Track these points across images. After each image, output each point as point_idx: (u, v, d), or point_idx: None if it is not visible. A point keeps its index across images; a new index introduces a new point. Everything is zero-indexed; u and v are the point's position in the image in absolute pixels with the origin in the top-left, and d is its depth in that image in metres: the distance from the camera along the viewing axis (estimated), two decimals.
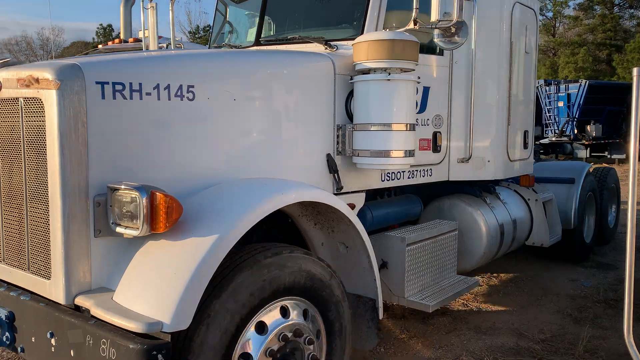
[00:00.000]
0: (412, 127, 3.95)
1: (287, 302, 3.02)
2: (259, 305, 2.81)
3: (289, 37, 4.52)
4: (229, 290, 2.65)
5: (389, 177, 4.45)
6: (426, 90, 4.69)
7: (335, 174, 3.94)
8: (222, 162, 3.29)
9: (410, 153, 3.95)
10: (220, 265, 2.61)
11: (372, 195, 4.73)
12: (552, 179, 6.97)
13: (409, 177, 4.64)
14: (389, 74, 3.75)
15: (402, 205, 4.94)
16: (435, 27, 3.89)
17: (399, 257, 4.33)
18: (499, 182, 6.04)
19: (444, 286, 4.68)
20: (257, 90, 3.49)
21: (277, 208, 2.94)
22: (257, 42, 4.76)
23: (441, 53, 4.83)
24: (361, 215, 4.37)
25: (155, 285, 2.56)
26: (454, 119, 4.97)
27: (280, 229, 3.93)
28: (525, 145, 5.78)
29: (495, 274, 6.77)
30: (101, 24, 52.05)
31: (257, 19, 4.82)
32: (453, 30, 3.96)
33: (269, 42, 4.71)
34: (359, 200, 4.21)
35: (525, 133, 5.76)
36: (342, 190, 4.02)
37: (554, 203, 6.52)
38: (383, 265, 4.40)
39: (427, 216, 5.37)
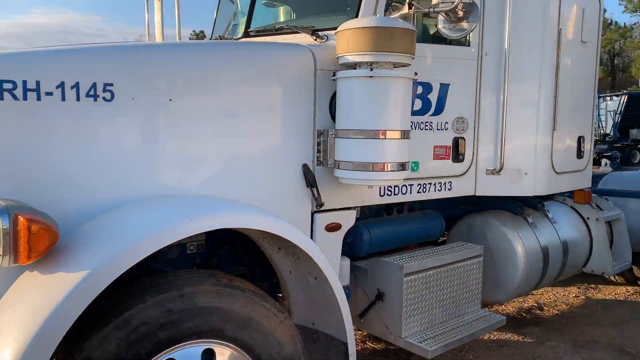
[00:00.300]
0: (405, 135, 3.22)
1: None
2: None
3: (276, 27, 3.91)
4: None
5: (389, 191, 3.73)
6: (444, 88, 3.92)
7: (314, 189, 3.30)
8: (148, 177, 2.75)
9: (403, 166, 3.23)
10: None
11: (377, 211, 4.04)
12: (627, 192, 5.87)
13: (418, 192, 3.89)
14: (372, 69, 3.05)
15: (414, 223, 4.19)
16: (434, 11, 3.13)
17: (396, 288, 3.61)
18: (553, 197, 5.10)
19: (459, 324, 3.90)
20: (203, 88, 2.92)
21: (178, 239, 2.35)
22: (246, 33, 4.20)
23: (467, 44, 4.02)
24: (357, 235, 3.74)
25: (5, 337, 2.07)
26: (482, 123, 4.14)
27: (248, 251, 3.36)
28: (580, 154, 4.79)
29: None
30: (194, 31, 53.41)
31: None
32: (460, 14, 3.19)
33: (258, 34, 4.12)
34: (348, 219, 3.53)
35: (580, 139, 4.77)
36: (325, 208, 3.37)
37: (622, 222, 5.44)
38: (379, 297, 3.71)
39: (456, 236, 4.59)
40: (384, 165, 3.17)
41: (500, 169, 4.16)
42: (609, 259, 5.09)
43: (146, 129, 2.75)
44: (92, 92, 2.57)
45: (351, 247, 3.77)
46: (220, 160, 2.98)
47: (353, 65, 3.18)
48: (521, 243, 4.36)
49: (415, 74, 3.26)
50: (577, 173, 4.80)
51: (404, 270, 3.58)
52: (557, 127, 4.38)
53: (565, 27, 4.34)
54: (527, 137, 4.24)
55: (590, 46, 4.77)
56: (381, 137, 3.14)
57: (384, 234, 3.91)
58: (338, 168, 3.26)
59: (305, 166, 3.29)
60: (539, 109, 4.25)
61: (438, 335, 3.72)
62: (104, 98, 2.60)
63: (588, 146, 4.89)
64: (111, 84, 2.61)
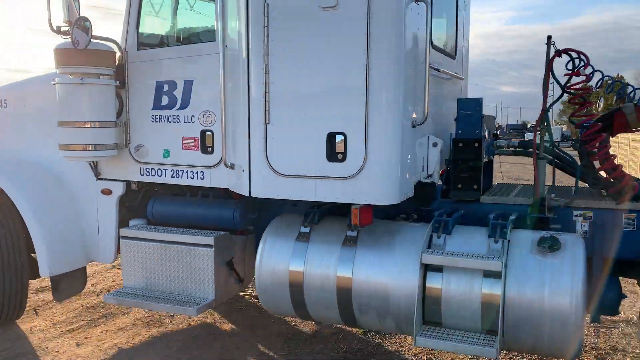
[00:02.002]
0: (102, 125, 4.30)
1: None
2: None
3: None
4: None
5: (147, 172, 4.60)
6: (188, 84, 4.30)
7: (91, 163, 4.86)
8: None
9: (99, 147, 4.32)
10: None
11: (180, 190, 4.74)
12: None
13: (172, 177, 4.49)
14: (54, 80, 4.42)
15: (200, 208, 4.57)
16: (58, 33, 4.14)
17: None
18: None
19: (167, 297, 4.31)
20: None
21: None
22: None
23: (213, 39, 4.16)
24: (147, 205, 4.82)
25: None
26: (230, 116, 4.07)
27: None
28: (337, 157, 3.44)
29: None
30: None
31: None
32: (78, 31, 4.03)
33: None
34: (117, 188, 4.80)
35: (332, 138, 3.43)
36: (101, 177, 4.85)
37: None
38: None
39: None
40: (83, 146, 4.44)
41: (233, 165, 4.02)
42: None
43: None
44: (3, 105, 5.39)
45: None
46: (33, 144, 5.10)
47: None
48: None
49: (82, 79, 4.24)
50: (336, 181, 3.49)
51: (120, 233, 4.53)
52: (275, 121, 3.63)
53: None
54: (242, 130, 3.83)
55: (345, 13, 3.34)
56: (77, 126, 4.43)
57: (164, 210, 4.70)
58: None
59: None
60: (249, 98, 3.73)
61: (139, 295, 4.38)
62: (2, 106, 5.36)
63: (360, 148, 3.39)
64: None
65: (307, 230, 3.93)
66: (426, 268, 3.49)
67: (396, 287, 3.54)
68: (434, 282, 3.46)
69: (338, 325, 4.96)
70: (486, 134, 4.15)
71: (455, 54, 4.97)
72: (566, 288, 3.19)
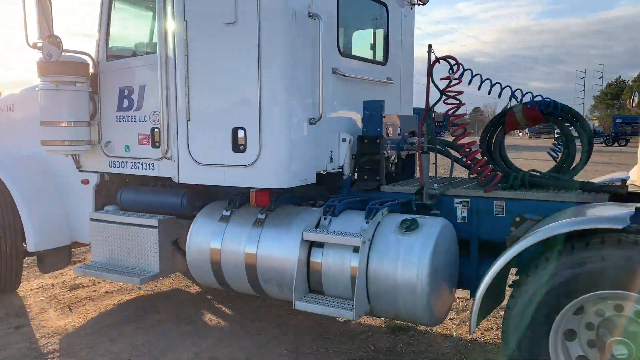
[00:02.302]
0: (74, 124, 5.15)
1: None
2: None
3: None
4: None
5: (114, 164, 5.40)
6: (142, 89, 5.07)
7: (73, 157, 5.72)
8: None
9: (70, 143, 5.18)
10: None
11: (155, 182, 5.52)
12: None
13: (131, 168, 5.27)
14: (37, 86, 5.30)
15: (155, 196, 5.32)
16: (34, 48, 5.00)
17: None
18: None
19: (119, 268, 5.09)
20: None
21: None
22: None
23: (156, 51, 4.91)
24: (118, 193, 5.64)
25: None
26: (166, 115, 4.77)
27: None
28: (240, 148, 4.09)
29: None
30: None
31: None
32: (49, 46, 4.88)
33: None
34: (93, 178, 5.64)
35: (236, 132, 4.08)
36: (81, 169, 5.71)
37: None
38: None
39: None
40: (61, 142, 5.31)
41: (171, 156, 4.75)
42: None
43: None
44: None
45: None
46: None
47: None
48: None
49: (56, 85, 5.09)
50: (238, 168, 4.13)
51: (89, 216, 5.36)
52: (194, 118, 4.33)
53: (197, 14, 4.22)
54: (174, 127, 4.55)
55: (243, 28, 3.98)
56: (55, 125, 5.30)
57: (129, 197, 5.48)
58: None
59: None
60: (176, 100, 4.46)
61: (101, 268, 5.17)
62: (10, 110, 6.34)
63: (255, 140, 4.02)
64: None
65: (227, 213, 4.60)
66: (312, 245, 4.09)
67: (288, 261, 4.15)
68: (316, 257, 4.05)
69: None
70: (390, 131, 4.68)
71: (386, 61, 5.51)
72: (414, 262, 3.70)
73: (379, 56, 5.48)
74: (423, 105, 4.42)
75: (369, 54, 5.40)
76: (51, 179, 5.87)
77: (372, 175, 4.59)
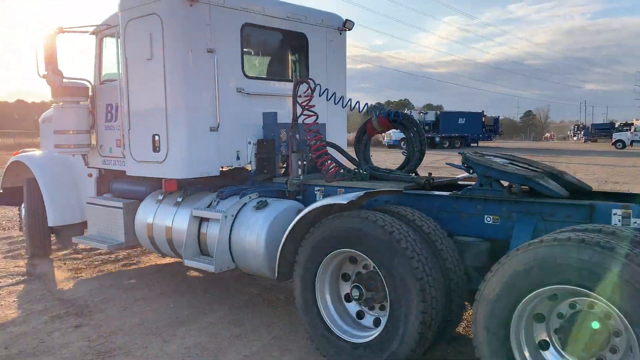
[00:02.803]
0: (79, 132, 7.06)
1: None
2: None
3: None
4: None
5: (105, 162, 7.19)
6: (116, 105, 6.81)
7: (82, 156, 7.62)
8: None
9: (74, 146, 7.07)
10: None
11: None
12: None
13: (113, 165, 7.03)
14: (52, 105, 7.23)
15: (131, 185, 7.01)
16: (43, 77, 6.90)
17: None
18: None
19: (99, 237, 6.85)
20: None
21: None
22: None
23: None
24: (110, 184, 7.47)
25: None
26: (122, 125, 6.50)
27: None
28: (156, 149, 5.65)
29: None
30: None
31: None
32: (53, 75, 6.78)
33: None
34: (94, 172, 7.51)
35: (155, 137, 5.63)
36: (88, 166, 7.60)
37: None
38: None
39: None
40: (68, 145, 7.24)
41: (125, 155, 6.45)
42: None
43: None
44: None
45: None
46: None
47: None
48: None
49: (90, 105, 6.99)
50: (156, 164, 5.68)
51: (86, 200, 7.20)
52: (132, 127, 5.97)
53: (131, 53, 5.87)
54: (125, 133, 6.23)
55: (156, 62, 5.52)
56: (63, 133, 7.21)
57: (115, 186, 7.24)
58: None
59: None
60: (123, 113, 6.15)
61: (91, 238, 6.96)
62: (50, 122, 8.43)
63: (165, 143, 5.54)
64: None
65: (161, 197, 6.19)
66: (202, 220, 5.57)
67: (186, 231, 5.64)
68: (203, 228, 5.53)
69: None
70: (282, 136, 6.02)
71: (307, 78, 6.83)
72: (256, 231, 5.06)
73: (301, 75, 6.81)
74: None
75: (285, 74, 6.76)
76: (70, 173, 7.82)
77: (268, 169, 5.96)
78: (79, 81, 7.10)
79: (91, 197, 7.26)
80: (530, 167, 4.65)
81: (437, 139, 52.12)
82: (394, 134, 50.11)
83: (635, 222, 3.72)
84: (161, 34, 5.56)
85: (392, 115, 5.61)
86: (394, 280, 3.94)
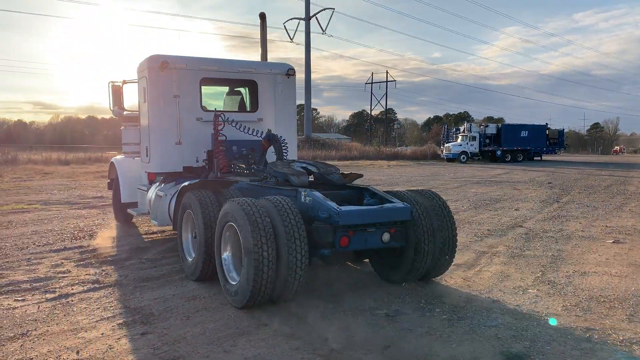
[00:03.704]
0: (129, 144, 11.47)
1: None
2: None
3: None
4: None
5: (145, 164, 11.45)
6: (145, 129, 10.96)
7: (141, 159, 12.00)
8: None
9: (133, 153, 11.48)
10: None
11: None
12: None
13: (147, 164, 11.21)
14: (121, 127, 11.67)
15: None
16: (112, 112, 11.34)
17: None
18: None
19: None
20: None
21: None
22: None
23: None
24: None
25: None
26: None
27: None
28: (146, 155, 9.58)
29: None
30: None
31: None
32: (116, 109, 11.21)
33: None
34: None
35: (146, 147, 9.56)
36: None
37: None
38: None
39: None
40: (129, 152, 11.66)
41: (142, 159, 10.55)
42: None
43: None
44: None
45: None
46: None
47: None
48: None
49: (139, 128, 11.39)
50: (145, 164, 9.63)
51: (137, 187, 11.52)
52: (141, 141, 10.03)
53: (139, 96, 9.92)
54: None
55: (147, 103, 9.42)
56: (127, 144, 11.63)
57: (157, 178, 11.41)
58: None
59: None
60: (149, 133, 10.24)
61: (139, 212, 11.18)
62: None
63: (149, 150, 9.41)
64: None
65: (157, 184, 10.13)
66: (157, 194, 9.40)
67: (151, 200, 9.49)
68: (157, 200, 9.33)
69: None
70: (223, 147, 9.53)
71: (257, 109, 10.28)
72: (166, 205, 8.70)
73: (252, 108, 10.30)
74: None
75: (235, 108, 10.33)
76: (137, 168, 12.19)
77: (211, 168, 9.54)
78: (136, 112, 11.42)
79: (139, 185, 11.51)
80: (307, 169, 7.56)
81: (499, 152, 50.79)
82: (454, 147, 51.14)
83: (307, 199, 6.55)
84: (147, 87, 9.54)
85: (267, 136, 8.83)
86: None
